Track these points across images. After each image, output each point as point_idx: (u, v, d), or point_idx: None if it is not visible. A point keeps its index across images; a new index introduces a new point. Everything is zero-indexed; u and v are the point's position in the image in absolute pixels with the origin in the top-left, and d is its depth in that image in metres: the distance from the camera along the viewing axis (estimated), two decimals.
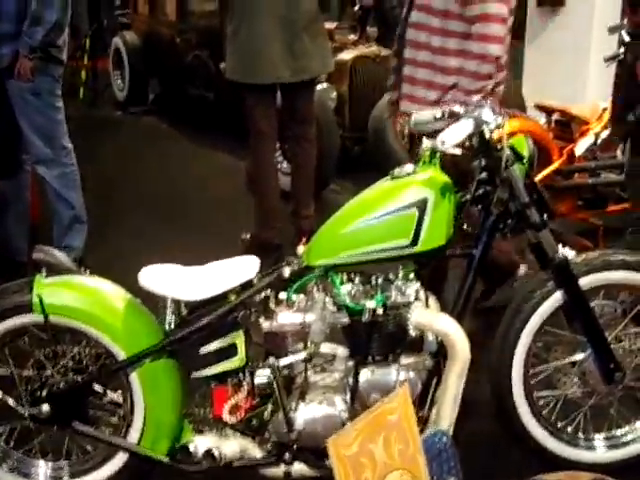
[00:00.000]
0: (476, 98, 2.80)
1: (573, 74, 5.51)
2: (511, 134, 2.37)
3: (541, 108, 4.44)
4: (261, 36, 4.02)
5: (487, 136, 2.18)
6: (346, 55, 5.68)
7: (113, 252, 4.33)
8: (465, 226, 2.31)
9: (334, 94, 5.45)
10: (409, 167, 2.27)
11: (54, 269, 2.25)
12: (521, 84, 6.15)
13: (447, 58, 2.92)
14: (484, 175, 2.29)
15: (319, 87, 4.95)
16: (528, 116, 4.40)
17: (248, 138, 4.32)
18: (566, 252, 2.34)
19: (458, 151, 2.21)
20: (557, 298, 2.37)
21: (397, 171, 2.28)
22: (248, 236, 4.39)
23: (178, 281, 2.22)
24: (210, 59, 6.68)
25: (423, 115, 2.47)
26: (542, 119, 4.41)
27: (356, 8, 7.51)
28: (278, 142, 4.76)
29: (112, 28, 10.57)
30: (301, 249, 2.32)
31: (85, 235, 4.11)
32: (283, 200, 4.48)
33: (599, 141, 4.14)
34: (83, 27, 8.42)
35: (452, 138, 2.09)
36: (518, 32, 6.90)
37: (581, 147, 4.13)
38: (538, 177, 3.73)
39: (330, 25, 5.74)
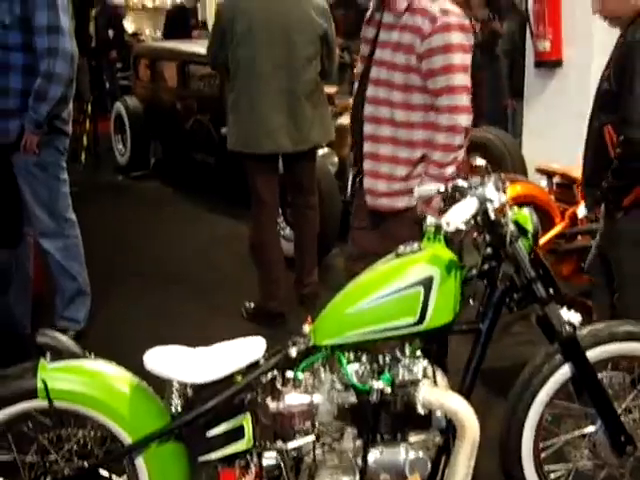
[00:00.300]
0: (450, 170, 2.83)
1: (572, 134, 5.51)
2: (515, 203, 2.38)
3: (542, 171, 4.47)
4: (262, 106, 4.07)
5: (492, 215, 2.19)
6: (347, 119, 5.71)
7: (115, 321, 4.32)
8: (472, 301, 2.31)
9: (335, 159, 5.48)
10: (414, 244, 2.28)
11: (59, 353, 2.23)
12: (521, 144, 6.21)
13: (412, 131, 2.89)
14: (489, 250, 2.30)
15: (320, 152, 4.98)
16: (529, 180, 4.44)
17: (250, 205, 4.34)
18: (572, 316, 2.34)
19: (463, 226, 2.22)
20: (565, 371, 2.36)
21: (402, 249, 2.28)
22: (251, 305, 4.38)
23: (183, 363, 2.20)
24: (211, 124, 6.75)
25: (426, 190, 2.50)
26: (543, 182, 4.43)
27: (356, 71, 7.57)
28: (280, 209, 4.78)
29: (113, 91, 10.73)
30: (307, 328, 2.32)
31: (88, 307, 4.10)
32: (286, 265, 4.48)
33: None
34: (86, 93, 8.51)
35: (457, 219, 2.10)
36: (517, 92, 7.01)
37: (583, 209, 4.14)
38: (541, 241, 3.74)
39: (330, 89, 5.79)
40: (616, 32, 2.97)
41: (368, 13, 3.10)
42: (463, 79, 2.83)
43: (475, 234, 2.37)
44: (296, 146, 4.16)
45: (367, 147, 2.97)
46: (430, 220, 2.29)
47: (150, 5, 13.50)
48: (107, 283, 4.71)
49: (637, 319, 2.51)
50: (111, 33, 10.71)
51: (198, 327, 4.21)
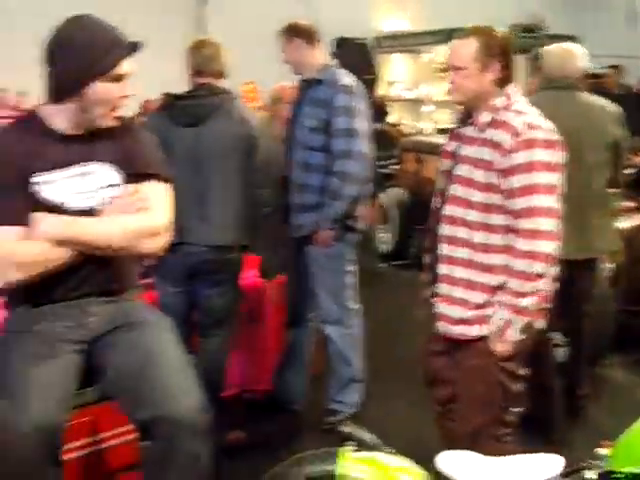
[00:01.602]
0: (527, 301, 2.65)
1: None
2: None
3: None
4: None
5: None
6: (623, 224, 5.53)
7: (381, 409, 4.41)
8: None
9: (610, 265, 5.30)
10: None
11: (360, 444, 2.37)
12: None
13: (491, 255, 2.72)
14: None
15: None
16: None
17: None
18: None
19: None
20: None
21: None
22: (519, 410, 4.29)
23: (477, 471, 2.23)
24: None
25: None
26: None
27: (630, 171, 7.23)
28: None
29: (376, 179, 11.19)
30: (603, 451, 2.26)
31: (360, 394, 4.24)
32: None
33: None
34: None
35: None
36: None
37: None
38: None
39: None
40: None
41: (452, 126, 3.02)
42: (547, 201, 2.62)
43: None
44: (580, 253, 4.10)
45: (443, 269, 2.84)
46: None
47: (408, 97, 14.01)
48: (372, 370, 4.83)
49: None
50: (379, 126, 11.21)
51: None
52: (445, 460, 2.27)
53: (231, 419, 4.04)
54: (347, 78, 4.00)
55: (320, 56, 4.08)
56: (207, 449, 2.45)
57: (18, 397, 2.28)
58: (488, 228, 2.73)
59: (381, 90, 13.65)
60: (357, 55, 11.93)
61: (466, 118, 2.88)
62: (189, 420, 2.35)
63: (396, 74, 14.46)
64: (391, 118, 13.63)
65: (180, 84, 3.90)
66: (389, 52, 14.12)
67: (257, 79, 9.39)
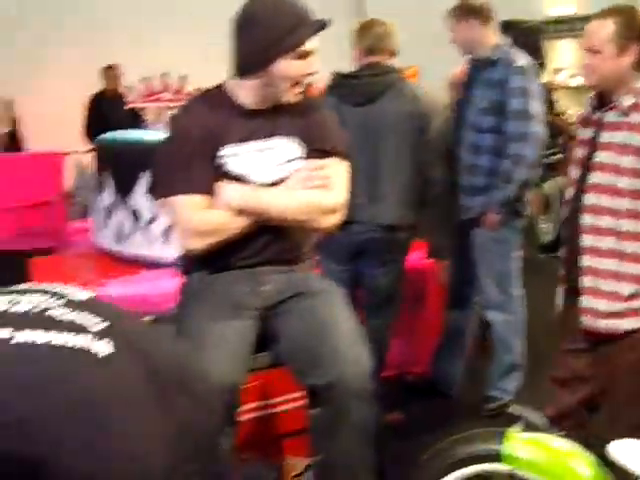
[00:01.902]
0: None
1: None
2: None
3: None
4: None
5: None
6: None
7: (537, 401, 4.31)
8: None
9: None
10: None
11: (529, 425, 2.35)
12: None
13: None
14: None
15: None
16: None
17: None
18: None
19: None
20: None
21: None
22: None
23: None
24: None
25: None
26: None
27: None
28: None
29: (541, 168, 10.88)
30: None
31: (520, 381, 4.19)
32: None
33: None
34: None
35: None
36: None
37: None
38: None
39: None
40: None
41: (583, 113, 2.84)
42: None
43: None
44: None
45: (586, 261, 2.69)
46: None
47: (575, 84, 13.48)
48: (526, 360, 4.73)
49: None
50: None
51: None
52: (618, 448, 2.22)
53: (389, 399, 4.06)
54: (522, 58, 3.92)
55: (493, 36, 4.00)
56: (374, 420, 2.50)
57: (199, 356, 2.39)
58: (637, 216, 2.64)
59: (547, 77, 13.20)
60: (524, 39, 11.56)
61: (600, 104, 2.78)
62: (360, 388, 2.40)
63: (562, 60, 13.94)
64: (557, 106, 13.19)
65: (339, 64, 3.94)
66: (555, 37, 13.59)
67: (416, 62, 9.33)
